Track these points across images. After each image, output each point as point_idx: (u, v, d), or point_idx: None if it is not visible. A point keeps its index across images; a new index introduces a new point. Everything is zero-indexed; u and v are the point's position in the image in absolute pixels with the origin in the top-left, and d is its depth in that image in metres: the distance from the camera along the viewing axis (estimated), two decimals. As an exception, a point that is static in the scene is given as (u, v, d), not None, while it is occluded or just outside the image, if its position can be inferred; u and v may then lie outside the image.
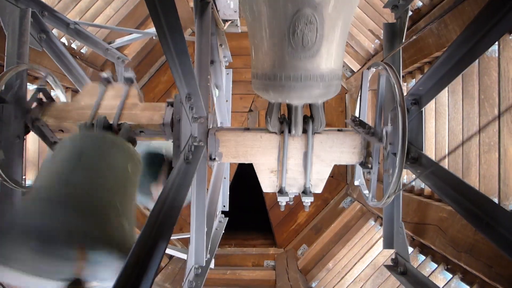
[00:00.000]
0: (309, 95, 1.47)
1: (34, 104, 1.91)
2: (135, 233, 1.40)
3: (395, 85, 1.51)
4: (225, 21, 2.56)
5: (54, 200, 1.30)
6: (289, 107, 1.76)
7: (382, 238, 2.20)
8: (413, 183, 3.17)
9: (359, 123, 1.99)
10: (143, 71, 5.45)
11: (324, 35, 1.22)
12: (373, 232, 4.33)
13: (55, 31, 2.84)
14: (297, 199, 2.07)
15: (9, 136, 1.81)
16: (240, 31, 2.74)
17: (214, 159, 1.93)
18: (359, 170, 2.31)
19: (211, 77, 2.71)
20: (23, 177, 2.03)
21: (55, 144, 1.94)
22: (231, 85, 3.40)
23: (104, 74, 1.99)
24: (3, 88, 1.73)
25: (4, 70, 1.75)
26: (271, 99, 1.64)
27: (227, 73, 3.32)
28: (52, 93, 2.07)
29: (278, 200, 2.03)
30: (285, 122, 1.83)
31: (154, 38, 3.82)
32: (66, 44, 3.58)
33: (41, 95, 1.95)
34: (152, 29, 3.51)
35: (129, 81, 1.98)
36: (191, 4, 4.07)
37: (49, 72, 1.99)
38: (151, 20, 1.15)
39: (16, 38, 1.89)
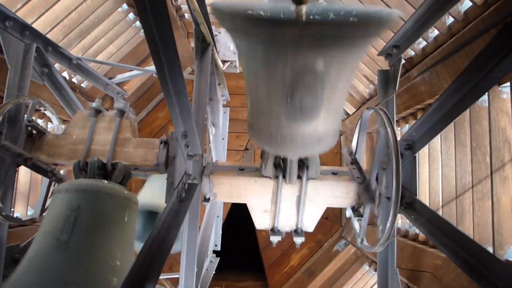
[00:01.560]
0: (306, 152, 1.46)
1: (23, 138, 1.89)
2: None
3: (389, 130, 1.54)
4: (224, 62, 2.64)
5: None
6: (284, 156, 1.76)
7: (376, 285, 2.14)
8: (407, 227, 3.14)
9: (355, 162, 1.99)
10: (142, 107, 5.53)
11: (324, 99, 1.16)
12: (368, 277, 4.22)
13: (57, 65, 2.90)
14: (290, 240, 2.04)
15: (1, 169, 1.79)
16: (238, 71, 2.82)
17: (209, 199, 1.91)
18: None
19: (209, 115, 2.75)
20: (12, 209, 1.99)
21: (52, 172, 1.91)
22: (227, 124, 3.44)
23: (94, 104, 1.97)
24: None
25: (4, 101, 1.77)
26: (266, 151, 1.65)
27: (224, 112, 3.37)
28: (50, 125, 2.08)
29: (270, 238, 2.00)
30: (280, 168, 1.83)
31: (154, 75, 3.91)
32: (67, 78, 3.65)
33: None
34: (152, 67, 3.60)
35: (120, 112, 1.98)
36: (192, 44, 4.21)
37: (41, 102, 1.98)
38: (151, 58, 1.18)
39: (18, 71, 1.92)
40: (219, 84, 2.80)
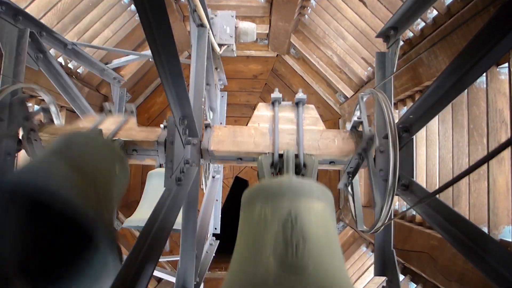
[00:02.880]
0: None
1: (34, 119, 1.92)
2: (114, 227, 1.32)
3: (386, 112, 1.54)
4: (221, 45, 2.62)
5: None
6: None
7: (373, 265, 2.19)
8: (404, 209, 3.18)
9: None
10: (139, 92, 5.49)
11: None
12: (365, 258, 4.29)
13: (52, 51, 2.87)
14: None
15: (0, 153, 1.80)
16: (235, 55, 2.79)
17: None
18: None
19: (206, 99, 2.74)
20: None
21: None
22: (225, 108, 3.44)
23: (107, 106, 2.06)
24: None
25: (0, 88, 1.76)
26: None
27: (222, 96, 3.36)
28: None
29: None
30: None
31: (150, 60, 3.87)
32: (63, 63, 3.61)
33: (41, 116, 1.96)
34: (148, 51, 3.56)
35: (130, 113, 2.06)
36: (188, 28, 4.16)
37: (53, 101, 2.01)
38: (147, 43, 1.17)
39: (13, 57, 1.90)
40: (216, 68, 2.78)
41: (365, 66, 4.16)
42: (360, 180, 2.65)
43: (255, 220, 1.21)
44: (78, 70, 3.91)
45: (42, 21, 2.42)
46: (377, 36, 2.10)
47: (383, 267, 2.07)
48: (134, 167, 4.88)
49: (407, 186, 1.69)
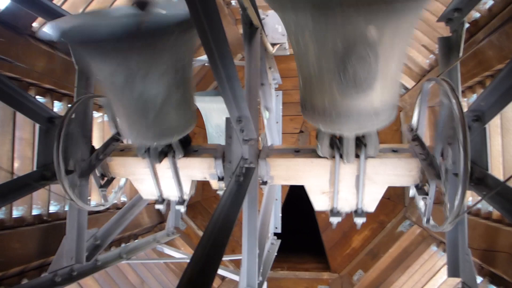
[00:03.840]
0: (362, 128, 1.40)
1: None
2: None
3: (453, 101, 1.43)
4: (273, 44, 2.62)
5: None
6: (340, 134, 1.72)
7: (446, 266, 2.05)
8: (479, 206, 2.93)
9: (417, 138, 1.89)
10: (197, 96, 5.70)
11: (379, 71, 1.07)
12: (436, 258, 4.03)
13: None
14: (351, 221, 2.01)
15: (77, 160, 1.97)
16: (288, 53, 2.78)
17: (266, 182, 1.94)
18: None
19: (261, 99, 2.77)
20: (88, 198, 2.18)
21: None
22: (281, 107, 3.44)
23: None
24: (73, 116, 1.90)
25: (74, 100, 1.94)
26: (321, 129, 1.62)
27: (277, 95, 3.37)
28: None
29: (330, 220, 1.99)
30: (336, 148, 1.79)
31: (206, 64, 4.00)
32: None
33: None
34: (204, 56, 3.68)
35: None
36: (241, 30, 4.22)
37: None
38: (203, 48, 1.21)
39: (83, 72, 2.08)
40: (269, 68, 2.79)
41: (426, 53, 3.92)
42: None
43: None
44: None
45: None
46: (439, 20, 1.96)
47: (458, 267, 1.93)
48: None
49: (481, 180, 1.56)
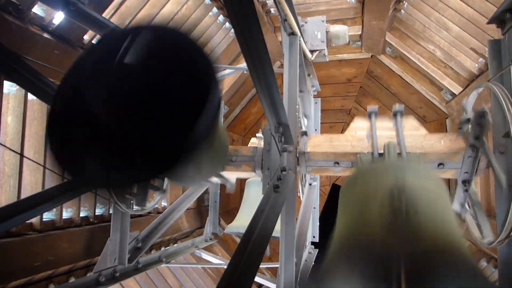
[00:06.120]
0: None
1: None
2: None
3: (506, 106, 1.35)
4: (312, 51, 2.60)
5: None
6: None
7: (497, 283, 1.91)
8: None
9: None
10: (235, 103, 5.77)
11: None
12: (486, 274, 3.77)
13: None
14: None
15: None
16: (327, 60, 2.74)
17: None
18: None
19: (300, 106, 2.75)
20: (131, 201, 2.27)
21: None
22: (319, 114, 3.39)
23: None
24: None
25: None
26: None
27: (316, 102, 3.33)
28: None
29: None
30: None
31: (245, 72, 4.05)
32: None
33: None
34: (243, 64, 3.73)
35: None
36: (280, 38, 4.23)
37: None
38: (242, 56, 1.22)
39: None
40: (308, 75, 2.77)
41: (475, 57, 3.72)
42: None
43: (357, 199, 1.19)
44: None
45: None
46: (489, 22, 1.86)
47: (511, 285, 1.80)
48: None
49: (538, 192, 1.45)
